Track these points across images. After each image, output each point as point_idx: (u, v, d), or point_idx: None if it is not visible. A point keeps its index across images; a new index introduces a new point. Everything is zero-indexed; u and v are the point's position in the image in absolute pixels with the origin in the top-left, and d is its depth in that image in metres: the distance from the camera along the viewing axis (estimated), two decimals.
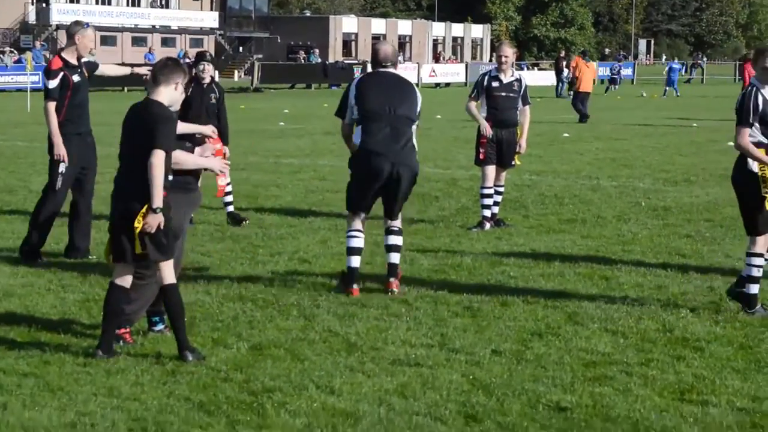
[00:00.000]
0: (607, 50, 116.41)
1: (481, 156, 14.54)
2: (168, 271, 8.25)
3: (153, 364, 8.12)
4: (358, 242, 10.75)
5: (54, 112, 11.81)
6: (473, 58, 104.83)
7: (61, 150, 11.83)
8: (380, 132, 10.63)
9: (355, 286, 10.58)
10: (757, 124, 9.70)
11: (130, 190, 8.12)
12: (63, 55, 11.99)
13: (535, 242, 13.54)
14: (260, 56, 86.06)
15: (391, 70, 10.93)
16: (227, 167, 9.22)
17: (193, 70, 14.19)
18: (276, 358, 8.35)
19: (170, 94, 8.29)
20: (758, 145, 9.72)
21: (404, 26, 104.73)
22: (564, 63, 57.83)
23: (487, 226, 14.45)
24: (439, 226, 14.63)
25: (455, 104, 41.39)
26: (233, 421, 6.95)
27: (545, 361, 8.39)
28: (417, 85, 67.18)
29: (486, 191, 14.54)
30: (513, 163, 14.79)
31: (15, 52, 65.93)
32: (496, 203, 14.73)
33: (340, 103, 10.93)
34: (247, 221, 14.62)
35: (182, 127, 8.73)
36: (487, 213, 14.54)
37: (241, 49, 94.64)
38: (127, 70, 13.75)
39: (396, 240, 10.91)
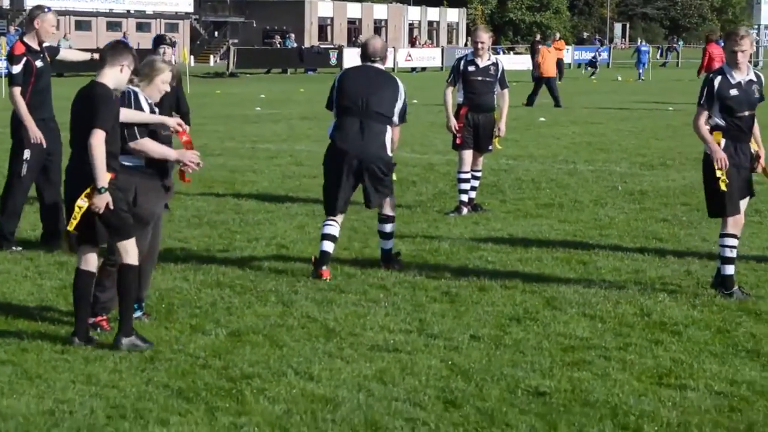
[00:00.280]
0: (585, 34, 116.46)
1: (458, 140, 14.54)
2: (127, 250, 8.19)
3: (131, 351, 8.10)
4: (333, 230, 10.77)
5: (21, 96, 11.57)
6: (449, 42, 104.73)
7: (36, 133, 11.61)
8: (351, 127, 10.69)
9: (324, 268, 10.59)
10: (717, 108, 9.92)
11: (79, 172, 8.07)
12: (25, 39, 11.75)
13: (512, 227, 13.55)
14: (236, 41, 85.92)
15: (378, 65, 10.94)
16: (197, 157, 8.92)
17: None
18: (254, 344, 8.34)
19: (116, 76, 8.26)
20: (715, 127, 9.98)
21: (380, 10, 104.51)
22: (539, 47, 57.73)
23: (465, 210, 14.46)
24: (416, 211, 14.63)
25: (431, 89, 41.37)
26: (212, 408, 6.94)
27: (524, 346, 8.40)
28: (393, 69, 66.74)
29: (463, 176, 14.55)
30: (491, 147, 14.80)
31: None
32: (473, 188, 14.73)
33: (329, 96, 11.02)
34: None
35: (145, 118, 8.61)
36: (465, 198, 14.55)
37: (216, 33, 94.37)
38: (87, 56, 13.39)
39: (385, 227, 11.06)
